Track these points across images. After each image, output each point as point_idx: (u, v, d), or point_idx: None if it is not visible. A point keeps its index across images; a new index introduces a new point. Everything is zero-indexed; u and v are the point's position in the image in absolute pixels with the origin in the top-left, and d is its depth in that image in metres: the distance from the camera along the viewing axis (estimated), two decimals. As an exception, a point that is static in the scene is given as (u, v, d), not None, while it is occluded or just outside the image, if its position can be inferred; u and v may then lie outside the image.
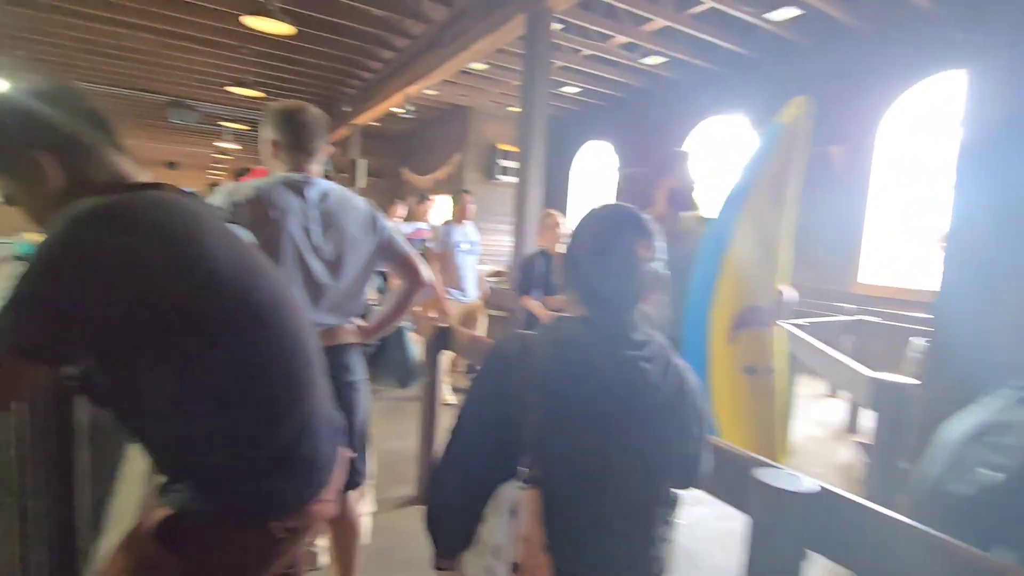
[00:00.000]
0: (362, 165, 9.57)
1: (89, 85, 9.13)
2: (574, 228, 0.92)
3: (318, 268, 1.38)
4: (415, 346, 1.80)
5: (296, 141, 1.44)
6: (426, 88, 6.88)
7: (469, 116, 9.47)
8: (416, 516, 2.32)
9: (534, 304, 2.93)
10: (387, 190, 11.49)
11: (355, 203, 1.50)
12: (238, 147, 13.90)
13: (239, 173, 2.90)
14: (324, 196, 1.44)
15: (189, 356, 0.76)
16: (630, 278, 0.85)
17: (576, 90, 7.98)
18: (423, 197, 4.58)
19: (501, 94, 8.44)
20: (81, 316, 0.69)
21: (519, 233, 4.07)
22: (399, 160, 12.07)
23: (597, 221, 0.91)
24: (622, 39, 5.86)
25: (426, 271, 1.57)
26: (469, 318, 3.80)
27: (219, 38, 6.54)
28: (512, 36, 4.55)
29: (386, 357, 1.71)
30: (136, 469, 2.40)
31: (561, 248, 2.93)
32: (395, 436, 2.86)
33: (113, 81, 8.86)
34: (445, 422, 2.40)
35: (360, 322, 1.54)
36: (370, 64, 7.44)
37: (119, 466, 2.28)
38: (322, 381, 0.94)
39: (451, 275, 3.70)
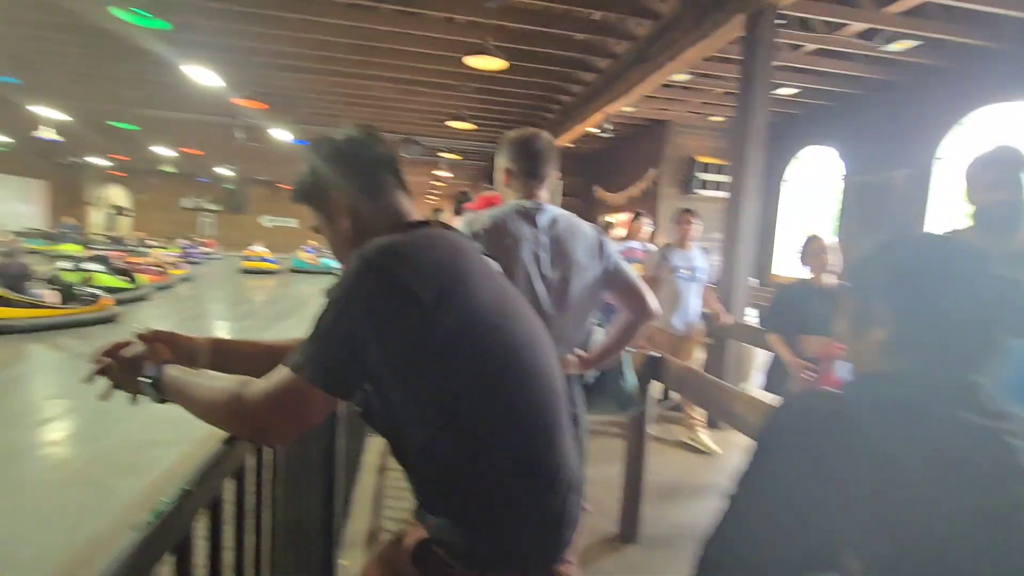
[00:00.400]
0: (558, 186, 9.90)
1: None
2: (871, 256, 0.72)
3: (544, 296, 1.38)
4: (633, 372, 1.71)
5: (529, 168, 1.46)
6: (624, 105, 6.82)
7: (666, 129, 9.14)
8: (618, 554, 2.21)
9: (782, 347, 2.46)
10: (580, 209, 11.68)
11: (582, 229, 1.47)
12: (450, 175, 15.63)
13: (460, 199, 3.14)
14: (553, 222, 1.44)
15: (451, 393, 0.77)
16: (977, 324, 0.63)
17: (793, 91, 7.09)
18: (637, 214, 4.21)
19: (702, 104, 7.96)
20: (367, 350, 0.73)
21: (730, 252, 3.70)
22: (591, 179, 12.21)
23: (914, 248, 0.70)
24: (859, 26, 5.03)
25: (653, 302, 1.46)
26: (681, 351, 3.44)
27: (443, 79, 7.41)
28: (726, 40, 4.22)
29: (605, 384, 1.64)
30: (372, 462, 2.74)
31: (829, 279, 2.45)
32: (593, 463, 2.78)
33: (362, 125, 10.72)
34: (653, 457, 2.25)
35: (580, 352, 1.50)
36: (571, 88, 7.68)
37: (361, 456, 2.62)
38: (570, 428, 0.90)
39: (666, 302, 3.34)
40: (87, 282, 8.55)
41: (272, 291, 12.88)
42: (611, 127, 7.30)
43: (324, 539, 1.42)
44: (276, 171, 21.65)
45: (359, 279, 0.75)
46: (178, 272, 13.20)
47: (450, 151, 12.12)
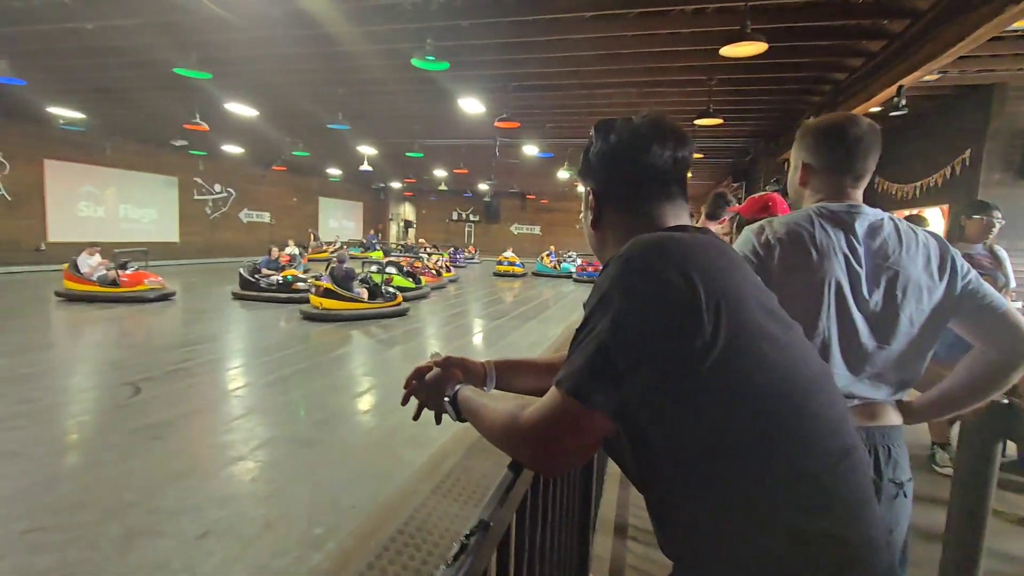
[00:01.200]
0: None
1: (586, 140, 11.62)
2: None
3: (863, 326, 1.09)
4: None
5: (840, 161, 1.18)
6: (927, 73, 5.41)
7: (993, 96, 6.96)
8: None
9: None
10: (854, 204, 9.78)
11: (919, 238, 1.13)
12: (688, 175, 14.79)
13: (716, 202, 2.86)
14: (875, 230, 1.13)
15: (715, 439, 0.64)
16: None
17: None
18: (980, 206, 3.03)
19: (1058, 53, 5.82)
20: (629, 363, 0.64)
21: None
22: (872, 167, 10.10)
23: None
24: None
25: None
26: None
27: (688, 76, 7.06)
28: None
29: None
30: (615, 472, 2.72)
31: None
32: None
33: (602, 133, 10.95)
34: (992, 536, 1.67)
35: (910, 399, 1.17)
36: (847, 63, 6.49)
37: (605, 465, 2.61)
38: (876, 502, 0.69)
39: None
40: (388, 282, 10.69)
41: (519, 293, 14.13)
42: (905, 103, 5.88)
43: (580, 557, 1.43)
44: (524, 183, 23.79)
45: (622, 281, 0.67)
46: (448, 275, 15.56)
47: (692, 150, 11.48)
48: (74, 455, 3.73)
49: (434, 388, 0.97)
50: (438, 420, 0.99)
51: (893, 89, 5.54)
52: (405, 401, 1.01)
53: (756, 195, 2.04)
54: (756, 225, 1.20)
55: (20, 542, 2.58)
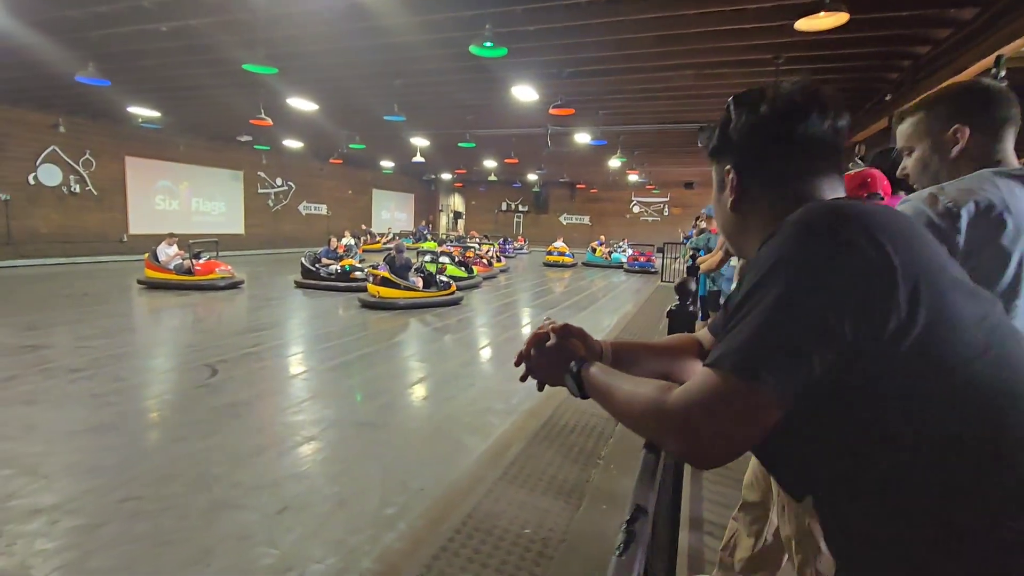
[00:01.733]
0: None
1: (640, 127, 11.33)
2: None
3: None
4: None
5: (1003, 118, 1.08)
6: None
7: (1107, 64, 6.24)
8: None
9: None
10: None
11: None
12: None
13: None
14: None
15: (905, 429, 0.57)
16: None
17: None
18: None
19: None
20: (807, 336, 0.57)
21: None
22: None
23: None
24: None
25: None
26: None
27: (754, 55, 6.73)
28: None
29: None
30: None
31: None
32: None
33: (660, 119, 10.64)
34: None
35: None
36: (931, 34, 5.99)
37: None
38: None
39: None
40: (441, 272, 10.85)
41: (569, 283, 14.02)
42: (1005, 75, 5.36)
43: (670, 551, 1.39)
44: (574, 172, 23.50)
45: (797, 247, 0.60)
46: (498, 265, 15.65)
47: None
48: (162, 430, 4.00)
49: (554, 358, 0.91)
50: (540, 388, 0.95)
51: (989, 60, 5.06)
52: (518, 363, 0.96)
53: (850, 172, 1.90)
54: (925, 193, 1.08)
55: (120, 510, 2.78)
